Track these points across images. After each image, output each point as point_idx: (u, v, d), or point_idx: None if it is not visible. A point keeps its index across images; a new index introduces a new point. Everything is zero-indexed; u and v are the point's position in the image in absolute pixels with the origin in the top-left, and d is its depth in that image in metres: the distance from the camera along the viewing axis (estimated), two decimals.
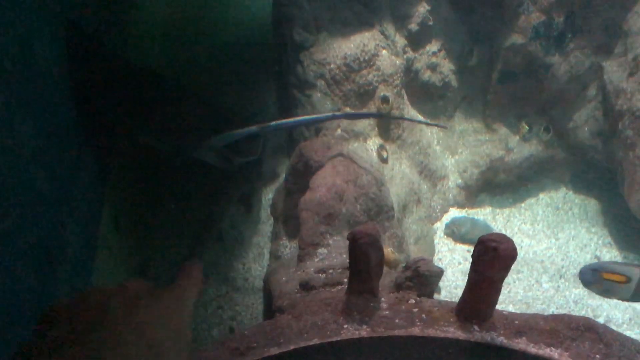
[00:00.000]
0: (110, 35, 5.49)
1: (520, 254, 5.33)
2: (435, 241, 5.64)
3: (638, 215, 5.28)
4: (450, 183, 5.93)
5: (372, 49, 5.04)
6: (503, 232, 5.72)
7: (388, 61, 5.14)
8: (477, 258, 2.07)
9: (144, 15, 6.64)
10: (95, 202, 4.51)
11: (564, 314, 2.30)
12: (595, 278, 3.57)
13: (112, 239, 4.77)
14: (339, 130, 5.04)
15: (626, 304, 5.00)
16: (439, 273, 2.64)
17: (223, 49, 6.90)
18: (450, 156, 6.04)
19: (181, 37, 6.81)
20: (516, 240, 5.34)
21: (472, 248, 5.44)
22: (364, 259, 2.36)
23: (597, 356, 2.12)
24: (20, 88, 3.31)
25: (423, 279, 2.62)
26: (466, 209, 6.02)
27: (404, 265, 2.96)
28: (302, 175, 4.28)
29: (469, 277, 2.20)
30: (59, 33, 4.07)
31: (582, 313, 4.82)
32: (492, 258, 2.00)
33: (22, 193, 3.22)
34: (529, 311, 3.09)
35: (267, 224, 5.73)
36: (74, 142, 4.15)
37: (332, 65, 5.01)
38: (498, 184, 6.11)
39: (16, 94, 3.23)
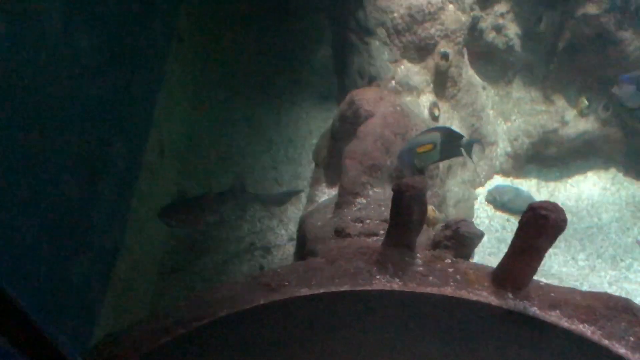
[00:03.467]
0: None
1: None
2: (475, 206, 5.57)
3: None
4: (499, 150, 5.81)
5: (439, 2, 4.89)
6: None
7: (453, 16, 4.99)
8: (524, 224, 2.02)
9: None
10: (143, 125, 4.56)
11: (603, 292, 2.25)
12: (412, 156, 3.66)
13: (155, 163, 4.83)
14: (393, 82, 4.95)
15: None
16: (480, 235, 2.60)
17: None
18: (502, 122, 5.89)
19: None
20: None
21: (511, 217, 5.40)
22: (406, 212, 2.33)
23: (631, 339, 2.08)
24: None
25: (462, 239, 2.58)
26: (511, 177, 5.91)
27: (442, 224, 2.92)
28: (351, 123, 4.24)
29: (511, 243, 2.15)
30: None
31: None
32: (541, 226, 1.95)
33: (72, 105, 3.26)
34: None
35: (307, 168, 5.73)
36: (128, 62, 4.17)
37: (395, 14, 4.89)
38: (547, 157, 5.96)
39: (77, 5, 3.24)
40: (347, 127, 4.27)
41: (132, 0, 4.21)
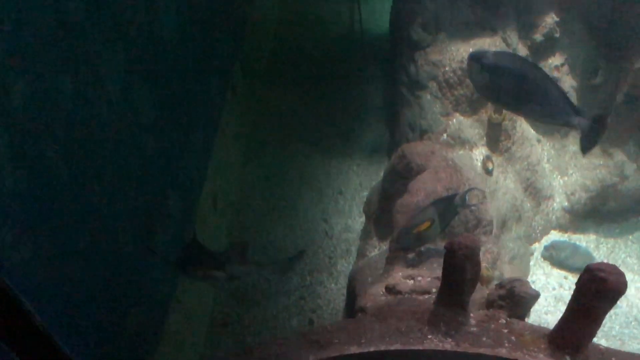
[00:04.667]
0: None
1: None
2: (531, 262, 5.46)
3: None
4: (555, 204, 5.72)
5: None
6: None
7: None
8: (581, 287, 1.99)
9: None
10: (198, 177, 4.69)
11: None
12: (411, 237, 3.58)
13: (208, 214, 4.94)
14: (444, 135, 4.97)
15: None
16: (535, 296, 2.56)
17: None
18: (559, 176, 5.81)
19: None
20: None
21: (569, 275, 5.26)
22: (460, 271, 2.32)
23: None
24: (141, 58, 3.48)
25: (517, 299, 2.55)
26: (569, 233, 5.79)
27: (497, 283, 2.89)
28: (402, 177, 4.26)
29: (569, 304, 2.12)
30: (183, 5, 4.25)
31: None
32: (599, 289, 1.92)
33: (131, 159, 3.39)
34: (622, 349, 2.95)
35: (357, 222, 5.74)
36: (185, 116, 4.32)
37: (447, 68, 4.95)
38: (607, 212, 5.83)
39: (137, 64, 3.41)
40: (398, 181, 4.30)
41: (190, 57, 4.40)
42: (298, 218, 5.79)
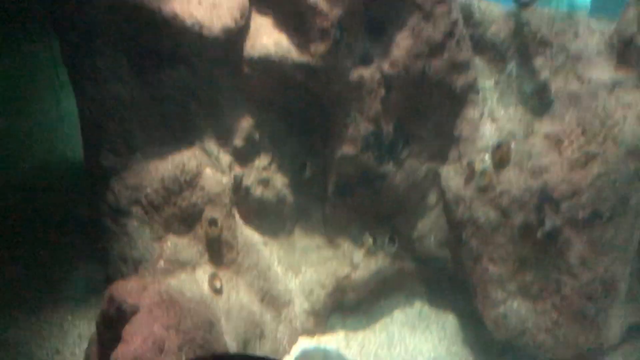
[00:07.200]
0: None
1: None
2: None
3: (495, 333, 5.21)
4: (296, 308, 5.62)
5: (194, 169, 4.77)
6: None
7: (213, 180, 4.89)
8: None
9: None
10: None
11: None
12: None
13: None
14: (161, 262, 4.63)
15: None
16: None
17: None
18: (293, 277, 5.74)
19: None
20: None
21: None
22: None
23: None
24: None
25: None
26: (317, 335, 5.70)
27: None
28: (116, 323, 3.80)
29: None
30: None
31: None
32: None
33: None
34: None
35: None
36: None
37: (148, 190, 4.66)
38: (348, 304, 5.88)
39: None
40: (113, 328, 3.83)
41: None
42: None
